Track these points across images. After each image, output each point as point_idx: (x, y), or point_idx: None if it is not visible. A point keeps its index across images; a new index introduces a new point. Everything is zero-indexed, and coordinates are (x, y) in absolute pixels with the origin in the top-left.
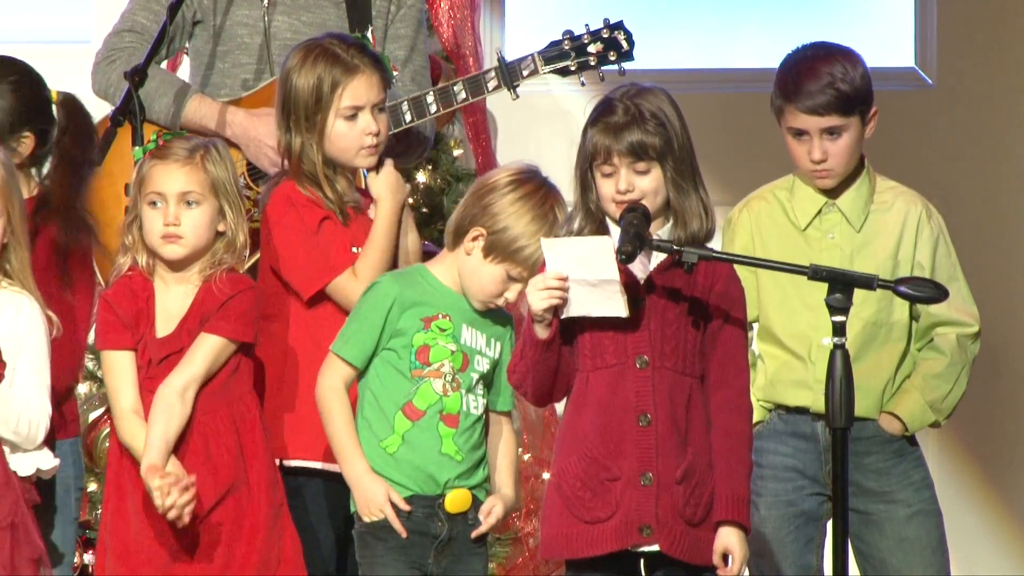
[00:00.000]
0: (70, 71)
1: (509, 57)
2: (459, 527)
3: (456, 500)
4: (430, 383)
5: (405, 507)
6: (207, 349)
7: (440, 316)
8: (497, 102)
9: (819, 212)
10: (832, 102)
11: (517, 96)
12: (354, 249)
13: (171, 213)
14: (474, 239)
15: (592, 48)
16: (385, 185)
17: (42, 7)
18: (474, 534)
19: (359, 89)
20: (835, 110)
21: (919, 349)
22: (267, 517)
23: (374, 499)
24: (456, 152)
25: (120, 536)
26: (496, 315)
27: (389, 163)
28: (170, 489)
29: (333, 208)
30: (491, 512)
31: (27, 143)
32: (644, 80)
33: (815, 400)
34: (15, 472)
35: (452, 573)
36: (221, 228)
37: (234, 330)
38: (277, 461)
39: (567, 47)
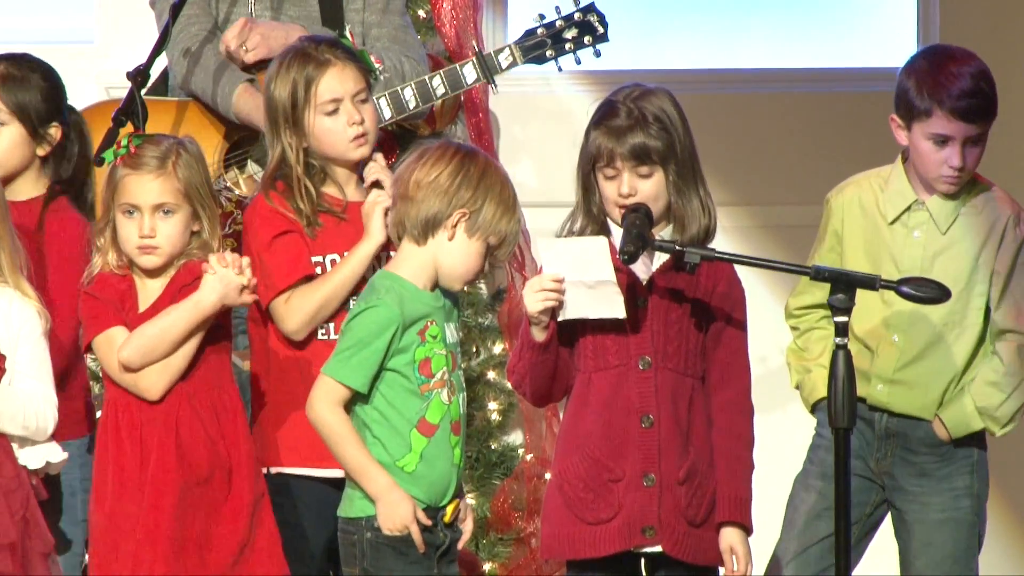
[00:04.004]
0: (71, 71)
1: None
2: (451, 534)
3: (453, 511)
4: (439, 395)
5: (427, 522)
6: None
7: (429, 324)
8: (499, 102)
9: (908, 208)
10: (982, 108)
11: (497, 90)
12: (327, 257)
13: (146, 225)
14: (455, 224)
15: (568, 34)
16: (377, 225)
17: (43, 7)
18: (461, 544)
19: (333, 81)
20: (983, 117)
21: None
22: (248, 504)
23: (402, 515)
24: None
25: (99, 519)
26: (453, 299)
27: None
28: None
29: (300, 219)
30: (467, 518)
31: (55, 133)
32: (646, 80)
33: (869, 392)
34: (24, 466)
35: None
36: (196, 228)
37: None
38: (267, 470)
39: (542, 35)
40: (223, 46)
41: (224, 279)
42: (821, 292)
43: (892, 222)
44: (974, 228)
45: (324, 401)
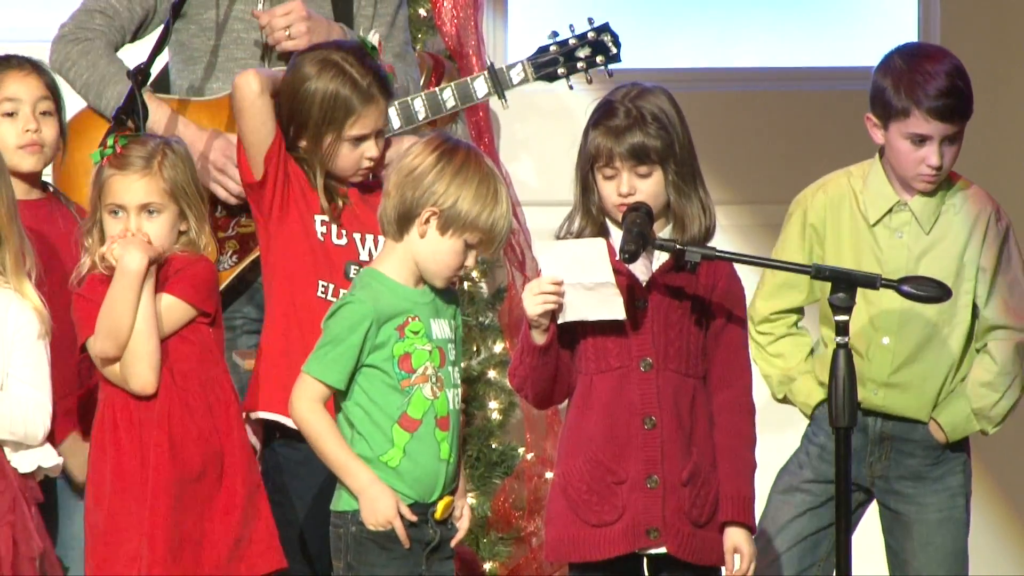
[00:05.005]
0: None
1: (499, 63)
2: (442, 532)
3: (444, 508)
4: (420, 390)
5: (412, 517)
6: (159, 308)
7: (409, 320)
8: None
9: (890, 210)
10: (959, 107)
11: (507, 105)
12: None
13: (132, 225)
14: (426, 221)
15: (580, 53)
16: None
17: (44, 5)
18: (454, 542)
19: (369, 119)
20: (961, 116)
21: (978, 350)
22: (241, 499)
23: (384, 510)
24: None
25: (99, 520)
26: (445, 295)
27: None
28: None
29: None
30: (463, 516)
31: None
32: (644, 80)
33: (866, 396)
34: (15, 469)
35: (439, 574)
36: (183, 227)
37: (185, 292)
38: (256, 414)
39: (555, 52)
40: (265, 19)
41: (124, 242)
42: (797, 295)
43: (875, 223)
44: (956, 226)
45: (304, 399)
